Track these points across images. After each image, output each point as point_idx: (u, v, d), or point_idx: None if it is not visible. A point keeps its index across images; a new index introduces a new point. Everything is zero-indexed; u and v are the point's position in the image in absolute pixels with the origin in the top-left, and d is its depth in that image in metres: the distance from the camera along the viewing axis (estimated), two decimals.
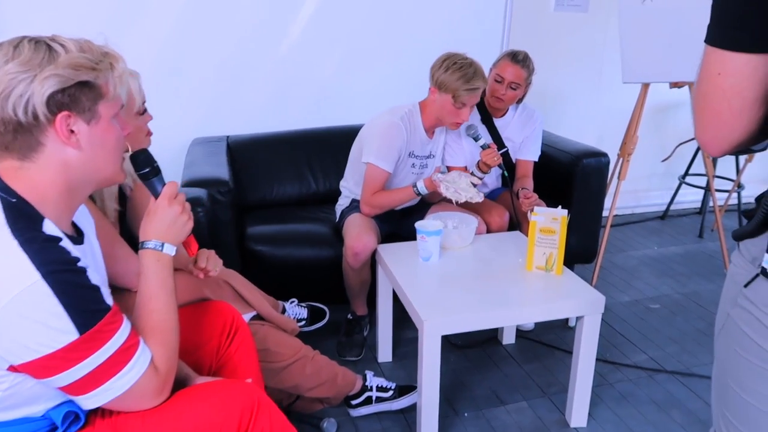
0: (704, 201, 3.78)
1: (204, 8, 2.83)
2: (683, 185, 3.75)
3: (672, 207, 3.90)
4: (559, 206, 1.96)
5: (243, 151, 2.89)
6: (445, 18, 3.14)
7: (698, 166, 3.72)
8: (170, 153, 2.75)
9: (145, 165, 1.24)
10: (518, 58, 2.44)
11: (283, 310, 2.16)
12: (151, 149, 2.76)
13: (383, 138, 2.26)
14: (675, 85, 2.82)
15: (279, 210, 2.82)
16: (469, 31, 3.17)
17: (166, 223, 1.23)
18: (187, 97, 2.93)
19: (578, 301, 1.83)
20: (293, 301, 2.25)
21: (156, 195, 1.25)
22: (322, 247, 2.46)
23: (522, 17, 3.24)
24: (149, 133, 1.63)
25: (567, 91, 3.53)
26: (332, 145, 2.95)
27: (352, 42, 3.06)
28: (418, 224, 2.06)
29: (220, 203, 2.30)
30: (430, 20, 3.11)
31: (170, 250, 1.23)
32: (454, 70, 2.15)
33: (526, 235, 2.29)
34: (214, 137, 2.93)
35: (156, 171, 1.25)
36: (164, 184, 1.25)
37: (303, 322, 2.23)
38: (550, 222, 1.92)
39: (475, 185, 2.22)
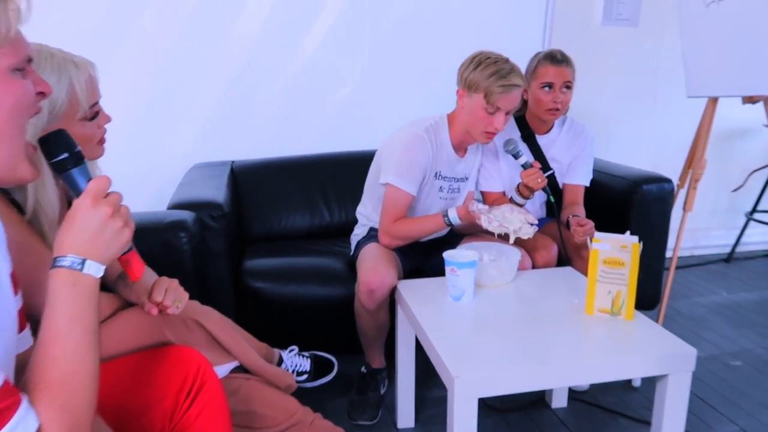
0: None
1: (210, 23, 2.57)
2: (750, 223, 3.29)
3: (737, 248, 3.41)
4: (627, 232, 1.54)
5: (249, 178, 2.56)
6: (476, 33, 2.81)
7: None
8: (169, 180, 2.43)
9: (58, 149, 0.88)
10: (557, 58, 2.10)
11: (280, 361, 1.76)
12: (147, 175, 2.39)
13: (404, 153, 1.89)
14: (749, 100, 2.41)
15: (286, 243, 2.45)
16: (503, 48, 2.81)
17: (89, 231, 0.85)
18: (190, 118, 2.64)
19: (659, 355, 1.39)
20: (293, 350, 1.84)
21: (77, 193, 0.89)
22: (333, 284, 2.07)
23: (564, 32, 2.90)
24: (102, 141, 1.28)
25: (616, 113, 3.13)
26: (349, 172, 2.58)
27: (374, 59, 2.75)
28: (446, 254, 1.66)
29: (212, 230, 1.95)
30: (459, 35, 2.79)
31: (95, 269, 0.85)
32: (486, 65, 1.81)
33: (581, 272, 1.87)
34: (218, 162, 2.61)
35: (77, 159, 0.89)
36: (90, 179, 0.89)
37: (305, 376, 1.82)
38: (617, 251, 1.50)
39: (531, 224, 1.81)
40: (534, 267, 1.98)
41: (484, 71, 1.80)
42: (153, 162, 2.61)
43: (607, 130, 3.11)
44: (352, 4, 2.68)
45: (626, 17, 2.95)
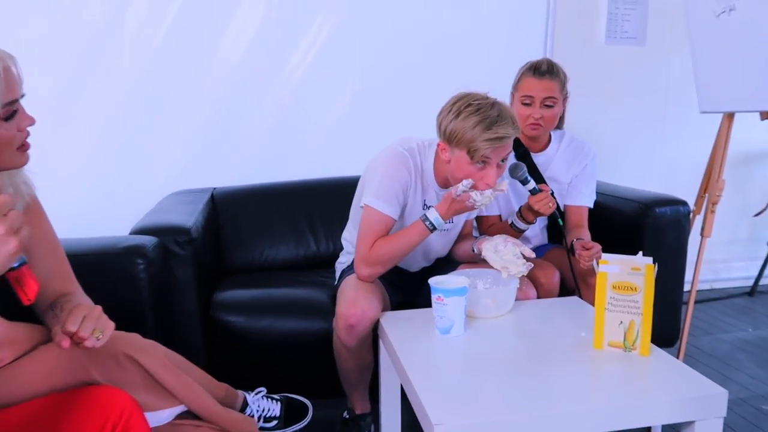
0: None
1: (192, 42, 2.44)
2: None
3: (761, 281, 3.16)
4: (639, 252, 1.33)
5: (230, 205, 2.39)
6: (472, 54, 2.67)
7: None
8: (147, 208, 2.25)
9: None
10: (542, 70, 1.88)
11: (245, 405, 1.54)
12: (122, 203, 2.17)
13: (384, 173, 1.67)
14: (767, 116, 2.22)
15: (267, 274, 2.26)
16: (501, 70, 2.67)
17: None
18: (170, 143, 2.49)
19: (683, 398, 1.16)
20: (260, 391, 1.62)
21: None
22: (313, 318, 1.87)
23: (565, 52, 2.74)
24: (25, 147, 1.10)
25: (624, 135, 2.95)
26: (338, 199, 2.37)
27: (365, 80, 2.61)
28: (432, 280, 1.45)
29: (178, 257, 1.76)
30: (455, 55, 2.65)
31: None
32: (468, 114, 1.51)
33: (589, 302, 1.66)
34: (198, 189, 2.44)
35: None
36: None
37: (274, 422, 1.59)
38: (627, 274, 1.29)
39: (525, 258, 1.61)
40: (537, 291, 1.76)
41: (466, 121, 1.50)
42: (130, 189, 2.45)
43: (615, 153, 2.92)
44: (342, 22, 2.55)
45: (632, 35, 2.80)
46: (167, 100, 2.45)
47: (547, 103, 1.88)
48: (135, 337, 1.19)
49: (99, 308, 1.06)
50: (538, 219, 1.99)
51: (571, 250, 1.83)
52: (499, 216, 2.00)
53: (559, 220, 1.81)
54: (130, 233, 1.78)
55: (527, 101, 1.90)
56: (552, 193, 1.99)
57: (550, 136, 2.02)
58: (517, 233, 1.85)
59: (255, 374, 1.84)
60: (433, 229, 1.60)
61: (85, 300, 1.21)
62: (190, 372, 1.31)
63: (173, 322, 1.75)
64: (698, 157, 2.93)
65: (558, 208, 1.97)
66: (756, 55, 2.15)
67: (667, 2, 2.85)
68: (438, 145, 1.63)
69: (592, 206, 2.03)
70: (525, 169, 1.76)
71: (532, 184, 1.76)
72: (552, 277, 1.80)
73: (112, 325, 1.06)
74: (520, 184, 1.79)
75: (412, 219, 1.70)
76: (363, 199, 1.67)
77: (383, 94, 2.60)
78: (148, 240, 1.65)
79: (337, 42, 2.55)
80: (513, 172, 1.76)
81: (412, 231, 1.63)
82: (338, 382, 1.79)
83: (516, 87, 1.96)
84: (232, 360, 1.86)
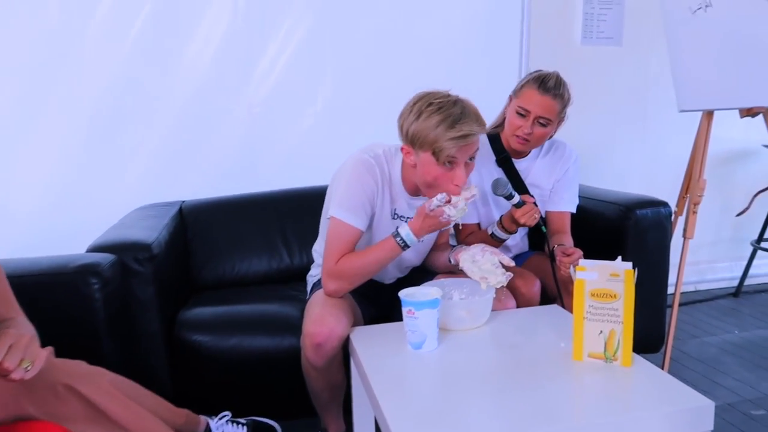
0: None
1: (158, 50, 2.37)
2: (758, 252, 3.02)
3: (745, 281, 3.12)
4: (618, 258, 1.27)
5: (199, 218, 2.30)
6: (447, 57, 2.61)
7: None
8: (111, 224, 2.15)
9: None
10: (548, 85, 1.77)
11: (207, 431, 1.45)
12: (86, 221, 2.07)
13: (349, 182, 1.57)
14: (747, 112, 2.18)
15: (238, 289, 2.17)
16: (478, 72, 2.62)
17: None
18: (135, 156, 2.41)
19: (667, 412, 1.09)
20: (224, 416, 1.53)
21: None
22: (283, 335, 1.78)
23: (542, 52, 2.69)
24: None
25: (603, 138, 2.90)
26: (311, 209, 2.24)
27: (336, 88, 2.55)
28: (403, 293, 1.38)
29: (138, 275, 1.68)
30: (430, 59, 2.58)
31: None
32: (430, 114, 1.43)
33: (571, 311, 1.59)
34: (165, 203, 2.35)
35: None
36: None
37: None
38: (606, 281, 1.23)
39: (505, 267, 1.53)
40: (517, 300, 1.69)
41: (428, 121, 1.42)
42: (93, 205, 2.35)
43: (594, 155, 2.87)
44: (313, 29, 2.48)
45: (608, 35, 2.76)
46: (132, 110, 2.36)
47: (542, 121, 1.79)
48: (77, 365, 1.10)
49: (29, 336, 0.97)
50: (518, 234, 1.94)
51: (552, 257, 1.76)
52: (478, 224, 1.93)
53: (543, 227, 1.73)
54: (87, 251, 1.69)
55: (522, 112, 1.80)
56: (534, 202, 1.93)
57: None
58: (497, 243, 1.79)
59: (222, 397, 1.76)
60: (405, 246, 1.51)
61: (23, 327, 1.12)
62: (143, 400, 1.22)
63: (133, 345, 1.66)
64: (679, 158, 2.89)
65: (541, 215, 1.91)
66: (733, 51, 2.12)
67: (643, 2, 2.81)
68: (402, 149, 1.55)
69: (574, 211, 1.96)
70: (509, 185, 1.66)
71: (516, 198, 1.67)
72: (532, 286, 1.73)
73: (44, 354, 0.97)
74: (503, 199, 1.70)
75: (381, 229, 1.63)
76: (330, 210, 1.59)
77: (356, 101, 2.53)
78: (104, 258, 1.56)
79: (308, 49, 2.48)
80: (496, 189, 1.66)
81: (383, 247, 1.53)
82: (311, 401, 1.70)
83: (516, 93, 1.85)
84: (198, 382, 1.77)
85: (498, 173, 1.91)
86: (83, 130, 2.32)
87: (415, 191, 1.63)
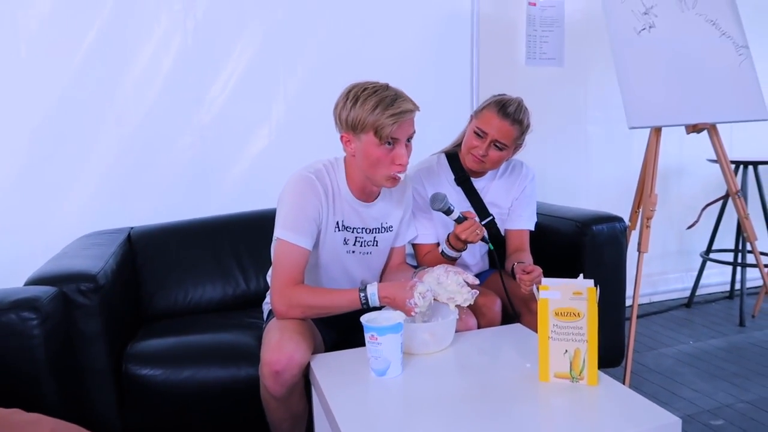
0: (735, 281, 3.14)
1: (103, 71, 2.27)
2: (707, 263, 3.11)
3: (697, 292, 3.21)
4: (580, 276, 1.26)
5: (149, 245, 2.20)
6: (400, 76, 2.57)
7: (722, 239, 3.10)
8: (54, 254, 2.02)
9: None
10: (508, 111, 1.79)
11: None
12: (22, 249, 1.96)
13: (292, 202, 1.56)
14: (693, 129, 2.25)
15: (192, 318, 2.08)
16: (431, 91, 2.62)
17: None
18: (80, 181, 2.29)
19: (637, 431, 1.08)
20: None
21: None
22: (239, 365, 1.70)
23: (490, 72, 2.74)
24: None
25: (549, 155, 2.95)
26: (266, 233, 2.14)
27: (288, 109, 2.50)
28: (364, 318, 1.34)
29: (83, 308, 1.58)
30: (382, 79, 2.56)
31: None
32: (366, 98, 1.49)
33: (531, 328, 1.58)
34: (112, 230, 2.24)
35: None
36: None
37: None
38: (569, 300, 1.22)
39: (470, 285, 1.51)
40: (479, 321, 1.67)
41: (366, 104, 1.48)
42: (35, 234, 2.22)
43: (542, 173, 2.91)
44: (264, 50, 2.44)
45: (550, 56, 2.81)
46: (76, 133, 2.25)
47: (498, 144, 1.80)
48: (11, 414, 1.01)
49: None
50: (475, 246, 1.92)
51: (511, 275, 1.75)
52: (437, 244, 1.91)
53: (489, 245, 1.72)
54: (25, 284, 1.58)
55: (480, 133, 1.81)
56: (493, 219, 1.93)
57: None
58: (449, 261, 1.77)
59: None
60: (366, 304, 1.48)
61: None
62: None
63: (78, 384, 1.56)
64: (620, 174, 2.99)
65: (491, 231, 1.90)
66: (678, 70, 2.19)
67: (581, 25, 2.90)
68: (342, 138, 1.57)
69: (533, 229, 1.97)
70: (447, 200, 1.66)
71: (456, 213, 1.67)
72: (493, 306, 1.72)
73: None
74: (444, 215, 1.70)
75: (327, 244, 1.62)
76: (275, 232, 1.56)
77: (309, 122, 2.48)
78: (43, 291, 1.46)
79: (259, 71, 2.44)
80: (433, 203, 1.66)
81: (344, 296, 1.51)
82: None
83: (477, 114, 1.86)
84: (150, 419, 1.67)
85: (456, 192, 1.91)
86: (22, 153, 2.20)
87: (362, 194, 1.64)
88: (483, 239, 1.69)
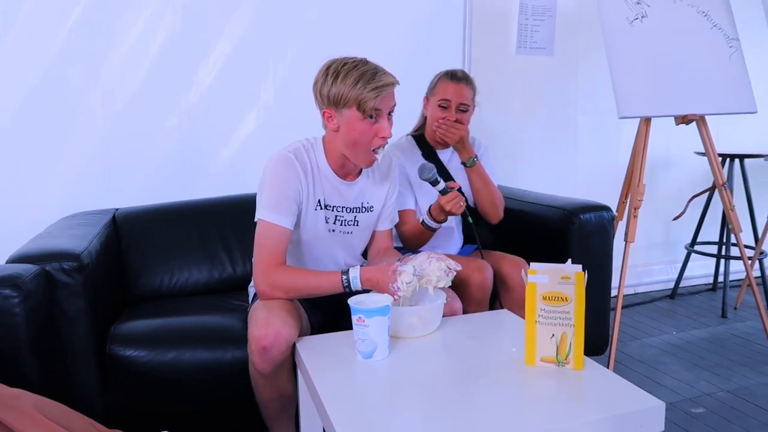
0: (719, 273, 3.17)
1: (89, 49, 2.24)
2: (691, 255, 3.14)
3: (681, 284, 3.24)
4: (568, 260, 1.26)
5: (134, 227, 2.17)
6: (391, 63, 2.57)
7: (707, 231, 3.13)
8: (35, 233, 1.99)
9: None
10: (458, 76, 1.98)
11: None
12: (5, 228, 1.93)
13: (271, 183, 1.56)
14: (682, 120, 2.26)
15: (177, 301, 2.06)
16: (420, 81, 2.60)
17: None
18: (66, 161, 2.26)
19: (621, 413, 1.08)
20: None
21: None
22: (225, 347, 1.69)
23: (482, 62, 2.73)
24: None
25: (538, 143, 2.96)
26: (252, 216, 2.21)
27: (277, 92, 2.48)
28: (352, 300, 1.33)
29: (65, 287, 1.56)
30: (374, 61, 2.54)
31: None
32: (347, 72, 1.49)
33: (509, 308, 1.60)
34: (97, 211, 2.21)
35: None
36: None
37: None
38: (557, 284, 1.22)
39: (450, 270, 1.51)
40: (469, 288, 1.73)
41: (347, 79, 1.49)
42: (19, 213, 2.19)
43: (530, 161, 2.94)
44: (253, 31, 2.41)
45: (541, 45, 2.81)
46: (63, 113, 2.22)
47: (462, 107, 1.95)
48: None
49: None
50: (452, 223, 1.95)
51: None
52: (414, 211, 1.95)
53: (469, 218, 1.82)
54: (7, 262, 1.56)
55: (444, 104, 1.95)
56: (460, 189, 1.94)
57: None
58: (429, 232, 1.83)
59: (160, 416, 1.66)
60: (348, 287, 1.48)
61: None
62: (72, 423, 1.12)
63: (60, 363, 1.54)
64: (608, 164, 3.01)
65: (468, 206, 1.92)
66: (669, 60, 2.19)
67: (572, 14, 2.90)
68: (323, 114, 1.58)
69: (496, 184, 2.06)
70: (434, 170, 1.73)
71: (442, 184, 1.74)
72: (484, 271, 1.79)
73: None
74: (429, 185, 1.77)
75: (308, 223, 1.62)
76: (257, 214, 1.57)
77: (298, 105, 2.42)
78: (25, 269, 1.44)
79: (248, 53, 2.41)
80: (422, 173, 1.73)
81: (327, 279, 1.51)
82: (258, 415, 1.62)
83: (432, 91, 2.01)
84: (133, 401, 1.66)
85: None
86: (6, 132, 2.16)
87: (342, 171, 1.64)
88: (463, 213, 1.74)
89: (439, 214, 1.75)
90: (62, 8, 2.17)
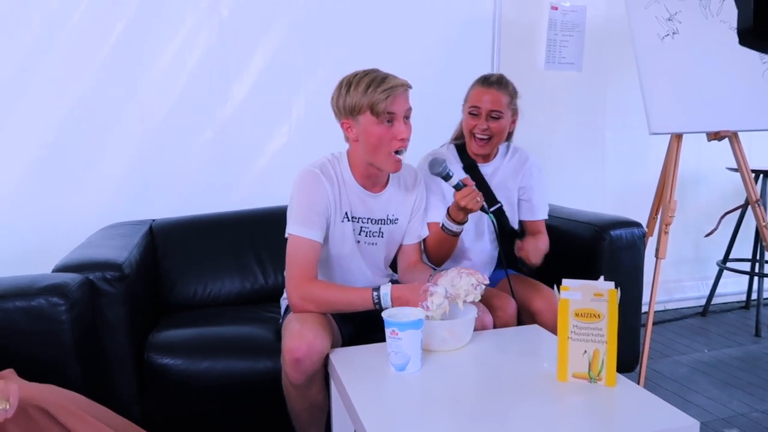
0: (752, 291, 3.12)
1: (129, 65, 2.32)
2: (723, 272, 3.09)
3: (712, 301, 3.19)
4: (601, 277, 1.27)
5: (170, 237, 2.24)
6: (420, 78, 2.61)
7: (740, 248, 3.08)
8: (78, 243, 2.05)
9: None
10: (490, 80, 1.89)
11: None
12: (47, 238, 1.97)
13: (300, 198, 1.62)
14: (714, 136, 2.24)
15: (210, 311, 2.11)
16: (451, 92, 2.62)
17: None
18: (104, 172, 2.35)
19: (654, 431, 1.08)
20: None
21: None
22: (258, 357, 1.73)
23: (510, 74, 2.69)
24: None
25: (566, 158, 2.96)
26: (285, 229, 2.27)
27: (309, 106, 2.54)
28: (386, 313, 1.35)
29: (108, 296, 1.61)
30: (405, 77, 2.58)
31: None
32: (358, 82, 1.57)
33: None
34: (134, 221, 2.28)
35: None
36: None
37: None
38: (590, 301, 1.23)
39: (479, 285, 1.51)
40: (495, 326, 1.68)
41: (358, 89, 1.56)
42: (60, 223, 2.28)
43: (559, 176, 2.93)
44: (286, 47, 2.48)
45: (569, 61, 2.82)
46: (102, 126, 2.30)
47: (494, 114, 1.85)
48: (46, 387, 1.05)
49: None
50: (489, 245, 1.94)
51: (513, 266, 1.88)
52: (437, 224, 1.88)
53: (489, 215, 1.72)
54: (53, 270, 1.62)
55: (474, 111, 1.87)
56: (501, 207, 1.93)
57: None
58: (451, 236, 1.75)
59: (194, 423, 1.70)
60: (378, 303, 1.50)
61: None
62: (115, 425, 1.15)
63: (100, 369, 1.59)
64: (637, 180, 2.99)
65: (498, 218, 1.90)
66: (701, 76, 2.18)
67: (601, 30, 2.90)
68: (342, 125, 1.64)
69: (546, 217, 2.01)
70: (445, 164, 1.67)
71: (455, 179, 1.67)
72: (507, 308, 1.73)
73: (15, 387, 0.91)
74: (444, 182, 1.71)
75: (335, 236, 1.66)
76: (287, 229, 1.62)
77: (328, 120, 2.48)
78: (72, 278, 1.50)
79: (282, 67, 2.47)
80: (432, 167, 1.66)
81: (358, 294, 1.55)
82: (289, 424, 1.65)
83: (465, 99, 1.94)
84: (169, 408, 1.70)
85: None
86: (49, 144, 2.25)
87: (367, 183, 1.68)
88: (482, 209, 1.68)
89: (458, 213, 1.69)
90: (104, 26, 2.26)
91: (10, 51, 2.16)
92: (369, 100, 1.54)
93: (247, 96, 2.46)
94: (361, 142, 1.61)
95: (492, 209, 1.89)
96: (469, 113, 1.88)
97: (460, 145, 1.98)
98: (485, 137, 1.86)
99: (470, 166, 1.94)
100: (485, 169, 1.96)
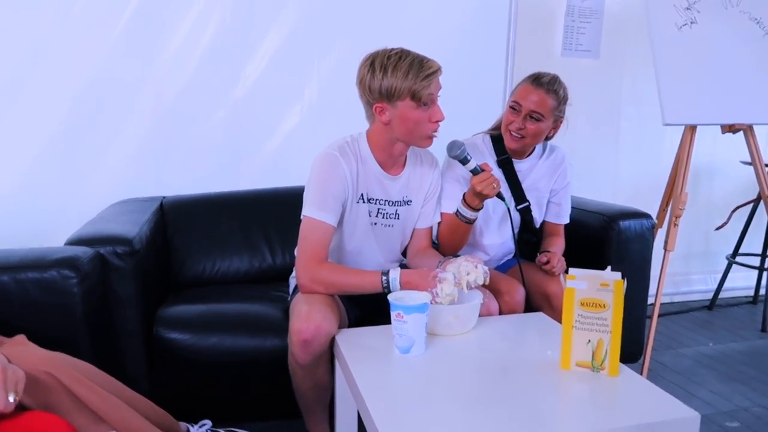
0: (761, 286, 3.10)
1: (142, 43, 2.31)
2: (733, 267, 3.08)
3: (720, 295, 3.18)
4: (608, 267, 1.27)
5: (180, 215, 2.25)
6: (437, 59, 2.61)
7: (750, 243, 3.06)
8: (90, 218, 2.07)
9: None
10: (542, 81, 1.79)
11: None
12: (60, 212, 1.99)
13: (317, 180, 1.61)
14: (729, 129, 2.22)
15: (219, 288, 2.13)
16: (466, 78, 2.62)
17: None
18: (117, 149, 2.35)
19: (654, 422, 1.09)
20: (204, 424, 1.50)
21: None
22: (265, 335, 1.75)
23: (526, 63, 2.69)
24: None
25: (581, 145, 2.92)
26: (295, 209, 2.22)
27: (321, 88, 2.52)
28: (392, 296, 1.37)
29: (118, 270, 1.63)
30: None
31: None
32: (395, 66, 1.52)
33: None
34: (145, 198, 2.29)
35: None
36: None
37: None
38: (596, 291, 1.23)
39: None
40: (500, 312, 1.69)
41: (397, 72, 1.52)
42: (72, 198, 2.29)
43: (572, 165, 2.91)
44: (300, 28, 2.46)
45: (586, 48, 2.79)
46: (115, 104, 2.31)
47: (534, 116, 1.77)
48: (57, 355, 1.07)
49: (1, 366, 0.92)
50: (502, 233, 1.94)
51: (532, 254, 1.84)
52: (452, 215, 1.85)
53: (505, 202, 1.70)
54: (65, 244, 1.64)
55: (516, 107, 1.80)
56: (528, 206, 1.91)
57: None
58: (465, 223, 1.72)
59: (202, 401, 1.73)
60: (386, 287, 1.51)
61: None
62: (126, 397, 1.18)
63: (111, 343, 1.62)
64: (650, 171, 2.96)
65: (524, 218, 1.91)
66: (717, 68, 2.16)
67: (619, 17, 2.86)
68: (375, 108, 1.59)
69: (569, 221, 2.02)
70: (464, 147, 1.64)
71: (473, 163, 1.64)
72: (515, 294, 1.72)
73: (22, 375, 0.93)
74: (460, 166, 1.69)
75: (351, 217, 1.67)
76: (303, 210, 1.62)
77: (341, 101, 2.48)
78: (83, 251, 1.52)
79: (294, 47, 2.46)
80: (450, 150, 1.65)
81: (366, 278, 1.55)
82: (295, 403, 1.68)
83: (513, 92, 1.87)
84: (177, 383, 1.73)
85: (498, 174, 1.88)
86: (63, 121, 2.26)
87: (387, 164, 1.68)
88: (499, 195, 1.66)
89: (473, 198, 1.66)
90: (118, 4, 2.25)
91: (25, 30, 2.16)
92: (410, 86, 1.52)
93: (260, 76, 2.45)
94: (394, 126, 1.60)
95: (519, 207, 1.89)
96: (511, 107, 1.81)
97: (497, 136, 1.91)
98: (518, 136, 1.81)
99: (505, 162, 1.88)
100: (520, 165, 1.91)
